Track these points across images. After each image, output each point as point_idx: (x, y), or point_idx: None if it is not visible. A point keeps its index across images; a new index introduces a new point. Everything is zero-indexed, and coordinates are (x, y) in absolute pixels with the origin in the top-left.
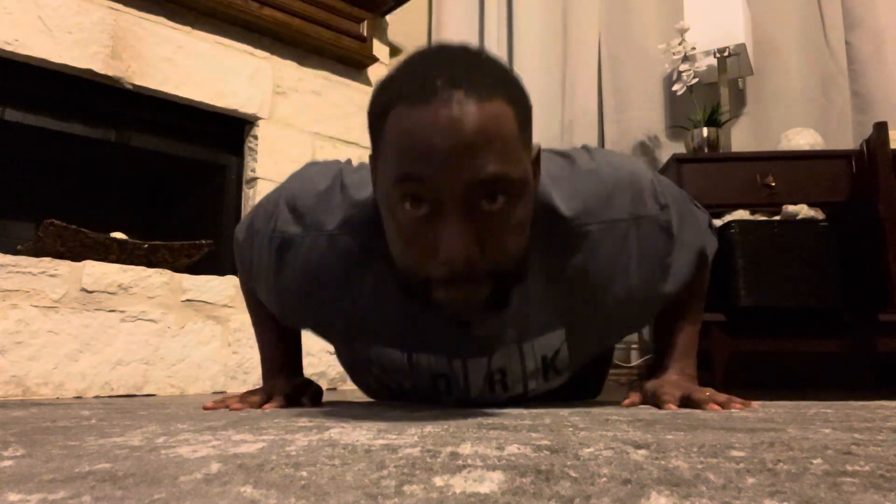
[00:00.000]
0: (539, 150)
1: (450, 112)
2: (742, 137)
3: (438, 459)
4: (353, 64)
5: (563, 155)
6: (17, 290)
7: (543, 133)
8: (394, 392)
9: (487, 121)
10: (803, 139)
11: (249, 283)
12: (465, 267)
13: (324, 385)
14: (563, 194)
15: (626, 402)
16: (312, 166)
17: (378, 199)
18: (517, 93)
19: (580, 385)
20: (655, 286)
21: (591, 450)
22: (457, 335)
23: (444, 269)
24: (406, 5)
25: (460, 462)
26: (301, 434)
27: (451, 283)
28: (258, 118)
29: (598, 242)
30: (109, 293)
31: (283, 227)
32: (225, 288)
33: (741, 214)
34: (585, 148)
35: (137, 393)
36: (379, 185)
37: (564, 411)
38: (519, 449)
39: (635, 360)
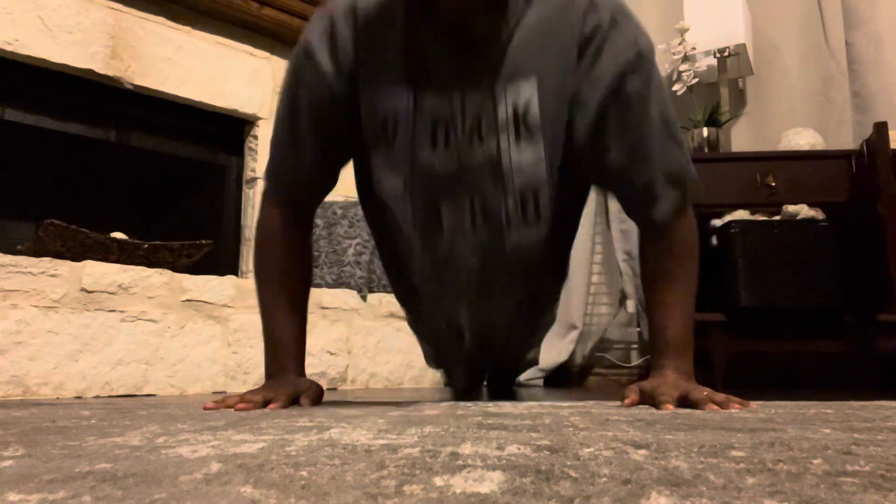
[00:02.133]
0: None
1: None
2: (742, 137)
3: (438, 459)
4: None
5: None
6: (17, 290)
7: None
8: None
9: None
10: (803, 139)
11: (274, 166)
12: None
13: (324, 385)
14: None
15: (627, 402)
16: None
17: None
18: None
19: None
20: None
21: (591, 450)
22: (457, 62)
23: None
24: None
25: (460, 462)
26: (301, 434)
27: None
28: (258, 118)
29: (577, 19)
30: (109, 293)
31: (316, 25)
32: (225, 288)
33: (741, 214)
34: None
35: (137, 393)
36: None
37: (564, 411)
38: (519, 449)
39: (635, 361)
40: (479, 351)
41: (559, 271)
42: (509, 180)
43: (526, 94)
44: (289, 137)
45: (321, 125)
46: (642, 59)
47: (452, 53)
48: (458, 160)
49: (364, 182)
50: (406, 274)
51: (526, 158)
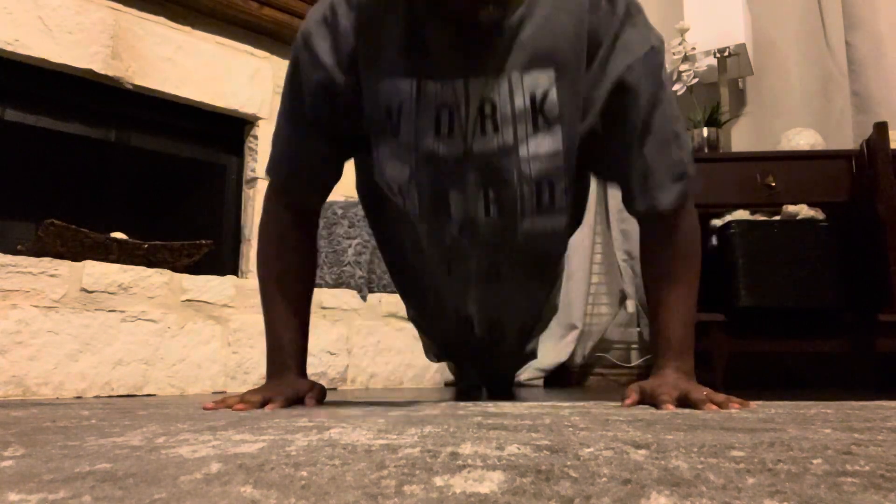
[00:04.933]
0: None
1: None
2: (742, 137)
3: (438, 459)
4: None
5: None
6: (17, 290)
7: None
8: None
9: None
10: (803, 139)
11: (276, 166)
12: None
13: (324, 385)
14: None
15: (627, 402)
16: None
17: None
18: None
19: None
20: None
21: (591, 450)
22: (462, 52)
23: None
24: None
25: (460, 462)
26: (301, 434)
27: None
28: (258, 118)
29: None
30: (109, 293)
31: (315, 13)
32: (225, 288)
33: (741, 214)
34: None
35: (137, 393)
36: None
37: (564, 411)
38: (519, 449)
39: (635, 361)
40: (489, 337)
41: (562, 257)
42: (526, 169)
43: (544, 85)
44: (290, 126)
45: (322, 114)
46: (655, 53)
47: (457, 44)
48: (466, 147)
49: (366, 177)
50: (411, 269)
51: (544, 149)
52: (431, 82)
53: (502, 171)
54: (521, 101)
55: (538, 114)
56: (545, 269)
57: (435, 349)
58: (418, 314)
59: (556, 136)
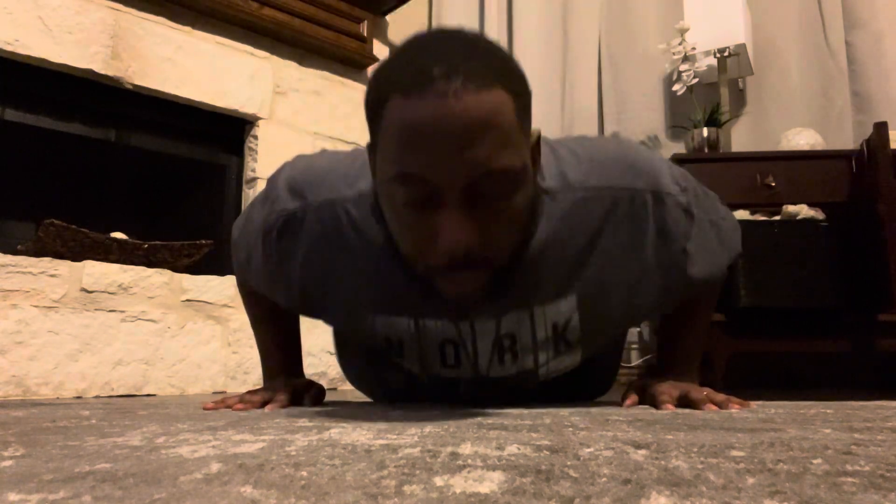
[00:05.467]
0: (539, 136)
1: (446, 106)
2: (742, 137)
3: (438, 459)
4: (353, 64)
5: (575, 138)
6: (17, 290)
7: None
8: (397, 389)
9: (485, 113)
10: (803, 139)
11: (247, 275)
12: (465, 257)
13: (324, 385)
14: (575, 164)
15: (628, 402)
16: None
17: (377, 187)
18: (516, 79)
19: (590, 377)
20: (676, 266)
21: (591, 450)
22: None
23: (444, 259)
24: (406, 5)
25: (460, 462)
26: (301, 434)
27: (451, 271)
28: (258, 118)
29: (611, 211)
30: (109, 293)
31: (284, 205)
32: (225, 288)
33: (741, 214)
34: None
35: (137, 393)
36: (378, 175)
37: (564, 411)
38: (519, 449)
39: (635, 360)
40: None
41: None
42: (543, 373)
43: (566, 313)
44: (261, 281)
45: (293, 305)
46: (692, 211)
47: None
48: (479, 373)
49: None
50: (382, 375)
51: (563, 364)
52: (431, 321)
53: (520, 380)
54: (542, 333)
55: (560, 339)
56: (586, 369)
57: (378, 390)
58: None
59: (577, 354)
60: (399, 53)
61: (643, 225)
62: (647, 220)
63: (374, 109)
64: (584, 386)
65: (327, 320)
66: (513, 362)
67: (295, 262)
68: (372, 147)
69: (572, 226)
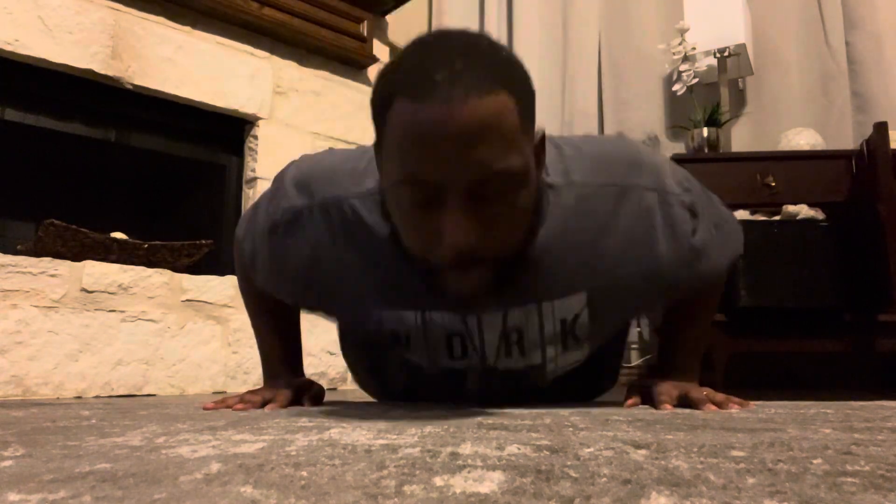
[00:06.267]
0: (543, 135)
1: (449, 110)
2: (742, 137)
3: (438, 459)
4: (353, 64)
5: (580, 136)
6: (17, 290)
7: None
8: (402, 383)
9: (487, 117)
10: (803, 139)
11: (251, 273)
12: (469, 255)
13: (324, 385)
14: (580, 161)
15: (629, 402)
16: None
17: (382, 186)
18: (518, 81)
19: (594, 374)
20: (683, 261)
21: (591, 450)
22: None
23: (448, 257)
24: (406, 5)
25: (460, 462)
26: (301, 434)
27: (455, 269)
28: (258, 118)
29: (617, 207)
30: (109, 293)
31: (290, 202)
32: (225, 288)
33: (741, 214)
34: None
35: (137, 393)
36: (384, 176)
37: (564, 411)
38: (519, 449)
39: (635, 361)
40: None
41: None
42: (551, 369)
43: (575, 308)
44: (267, 278)
45: (299, 300)
46: (696, 210)
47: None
48: (486, 364)
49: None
50: (390, 373)
51: (571, 360)
52: (438, 314)
53: (526, 373)
54: (550, 328)
55: (568, 335)
56: (591, 364)
57: (385, 389)
58: (375, 380)
59: (584, 349)
60: (404, 56)
61: (653, 220)
62: (656, 216)
63: (380, 109)
64: (589, 382)
65: (333, 315)
66: (520, 356)
67: (301, 258)
68: (378, 146)
69: (577, 222)
